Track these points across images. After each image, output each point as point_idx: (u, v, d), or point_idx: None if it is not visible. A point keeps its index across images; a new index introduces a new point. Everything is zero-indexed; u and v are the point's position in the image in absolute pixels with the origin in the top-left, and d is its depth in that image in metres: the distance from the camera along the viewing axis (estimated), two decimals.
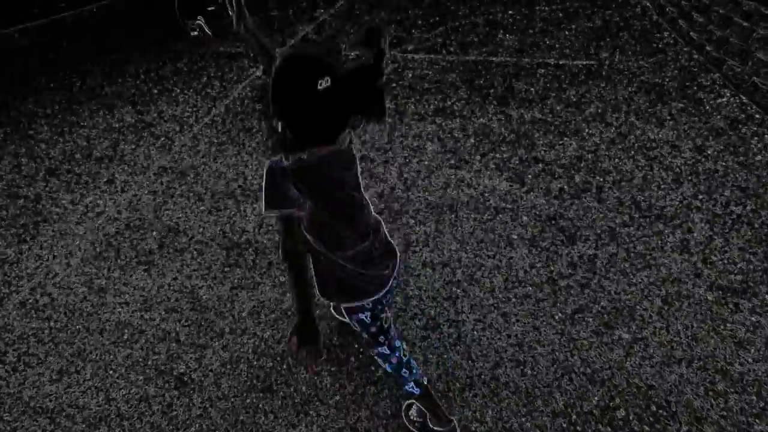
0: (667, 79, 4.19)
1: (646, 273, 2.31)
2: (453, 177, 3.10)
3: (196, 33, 1.90)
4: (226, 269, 2.49)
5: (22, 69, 5.04)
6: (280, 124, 1.06)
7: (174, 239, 2.74)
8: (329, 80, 1.00)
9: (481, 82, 4.34)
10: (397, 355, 1.49)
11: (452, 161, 3.26)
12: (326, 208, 1.18)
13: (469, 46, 5.07)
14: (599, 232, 2.59)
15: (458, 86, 4.29)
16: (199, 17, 2.01)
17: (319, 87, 1.00)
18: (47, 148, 3.70)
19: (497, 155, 3.30)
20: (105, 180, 3.28)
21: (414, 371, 1.54)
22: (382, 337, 1.43)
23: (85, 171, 3.39)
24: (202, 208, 2.98)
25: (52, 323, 2.27)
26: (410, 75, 4.50)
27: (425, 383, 1.60)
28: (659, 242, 2.47)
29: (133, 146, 3.64)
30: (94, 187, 3.22)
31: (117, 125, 3.92)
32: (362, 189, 1.26)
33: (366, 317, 1.37)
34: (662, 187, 2.87)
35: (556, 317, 2.14)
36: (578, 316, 2.14)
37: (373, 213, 1.33)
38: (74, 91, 4.53)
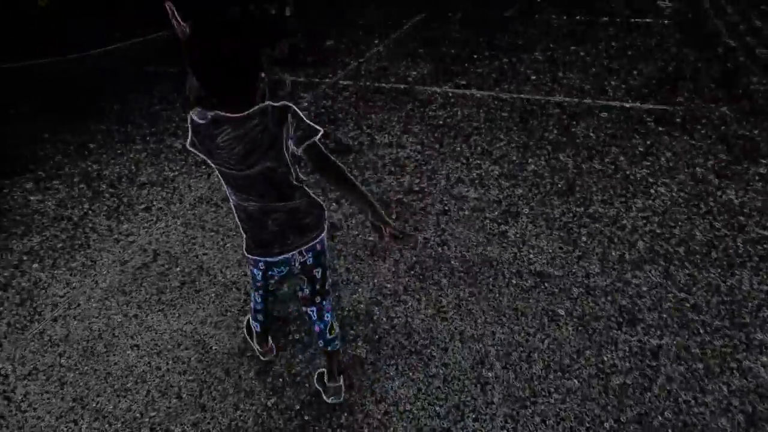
0: (755, 132, 3.66)
1: (725, 378, 1.89)
2: (495, 231, 2.81)
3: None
4: (240, 318, 2.34)
5: (85, 91, 5.35)
6: (194, 81, 1.26)
7: (196, 278, 2.64)
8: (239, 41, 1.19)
9: (536, 123, 4.02)
10: (253, 300, 1.89)
11: (496, 213, 2.96)
12: (218, 165, 1.37)
13: (526, 83, 4.78)
14: (666, 316, 2.18)
15: (510, 127, 3.99)
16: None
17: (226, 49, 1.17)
18: (99, 169, 3.82)
19: (547, 209, 2.96)
20: (143, 207, 3.30)
21: (252, 317, 1.99)
22: (256, 294, 1.82)
23: (127, 196, 3.43)
24: (228, 244, 2.88)
25: (63, 360, 2.21)
26: (458, 113, 4.27)
27: (257, 330, 2.02)
28: (744, 339, 2.03)
29: (176, 173, 3.67)
30: (132, 214, 3.23)
31: (165, 151, 3.99)
32: (288, 183, 1.40)
33: (257, 274, 1.70)
34: (749, 266, 2.40)
35: (606, 425, 1.77)
36: (634, 428, 1.75)
37: (302, 217, 1.50)
38: (132, 115, 4.72)
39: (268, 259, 1.58)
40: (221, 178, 1.43)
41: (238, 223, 1.52)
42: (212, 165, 1.38)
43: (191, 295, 2.53)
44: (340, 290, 2.46)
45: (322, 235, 1.58)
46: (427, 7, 7.60)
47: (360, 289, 2.47)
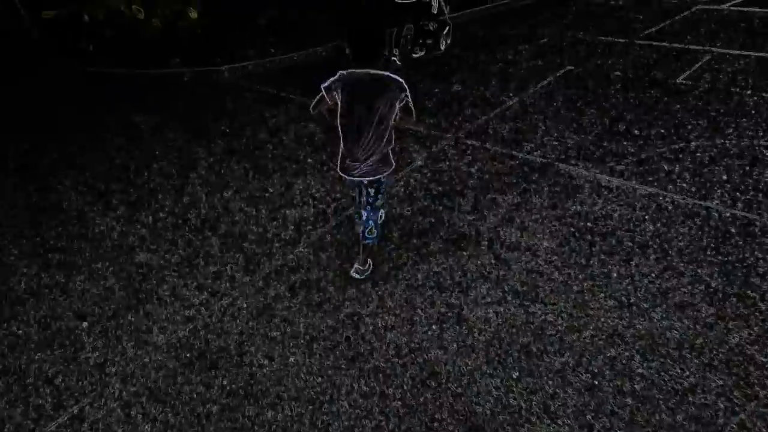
0: None
1: None
2: None
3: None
4: None
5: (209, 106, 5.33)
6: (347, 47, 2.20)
7: (239, 401, 2.07)
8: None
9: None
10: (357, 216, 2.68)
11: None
12: (342, 112, 2.20)
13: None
14: None
15: (691, 238, 2.84)
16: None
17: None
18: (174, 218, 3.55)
19: None
20: (212, 274, 2.87)
21: (361, 226, 2.60)
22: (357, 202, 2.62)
23: (207, 260, 3.05)
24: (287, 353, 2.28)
25: None
26: (614, 212, 3.20)
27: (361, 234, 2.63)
28: None
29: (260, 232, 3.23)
30: (197, 287, 2.80)
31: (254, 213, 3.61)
32: (373, 142, 2.23)
33: (347, 181, 2.47)
34: None
35: None
36: None
37: (377, 156, 2.27)
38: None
39: (353, 178, 2.34)
40: (339, 115, 2.20)
41: (341, 149, 2.30)
42: (340, 105, 2.17)
43: (228, 418, 1.94)
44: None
45: (387, 173, 2.35)
46: (581, 58, 6.50)
47: None
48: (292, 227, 3.25)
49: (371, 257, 2.74)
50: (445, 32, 6.88)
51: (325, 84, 2.16)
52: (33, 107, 5.79)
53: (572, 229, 3.07)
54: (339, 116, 2.20)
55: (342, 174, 2.37)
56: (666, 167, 3.71)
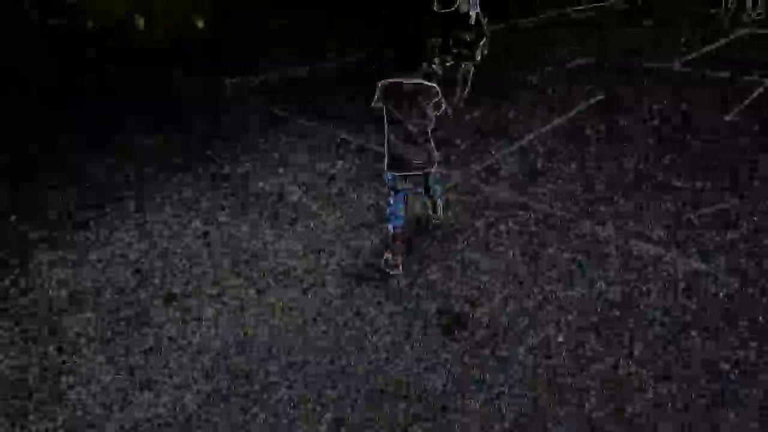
0: None
1: None
2: None
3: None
4: None
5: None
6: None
7: None
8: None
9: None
10: (389, 208, 2.73)
11: None
12: (388, 118, 2.53)
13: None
14: None
15: None
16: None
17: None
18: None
19: None
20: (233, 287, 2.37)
21: (393, 221, 2.71)
22: (391, 192, 2.68)
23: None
24: None
25: None
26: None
27: (395, 232, 2.73)
28: None
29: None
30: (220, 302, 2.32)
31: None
32: (422, 139, 2.56)
33: (387, 177, 2.66)
34: None
35: None
36: None
37: (421, 154, 2.59)
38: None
39: (400, 173, 2.61)
40: (386, 119, 2.52)
41: (387, 149, 2.58)
42: (386, 111, 2.50)
43: None
44: None
45: (431, 168, 2.69)
46: (615, 85, 5.82)
47: None
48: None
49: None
50: (482, 43, 6.61)
51: (373, 103, 2.55)
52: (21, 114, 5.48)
53: (594, 319, 2.44)
54: (385, 121, 2.53)
55: (392, 172, 2.60)
56: (714, 236, 3.03)
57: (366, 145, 4.43)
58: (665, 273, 2.72)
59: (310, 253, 3.00)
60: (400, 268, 2.74)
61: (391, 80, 2.46)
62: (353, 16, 8.02)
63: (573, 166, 3.91)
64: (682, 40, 8.01)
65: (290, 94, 5.93)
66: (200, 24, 6.45)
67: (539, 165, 3.96)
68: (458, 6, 6.33)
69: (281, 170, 4.01)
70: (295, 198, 3.60)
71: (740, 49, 7.25)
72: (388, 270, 2.74)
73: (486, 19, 6.83)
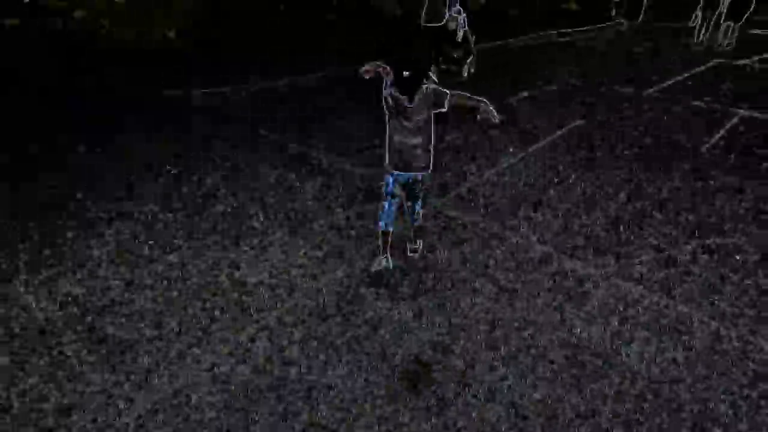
0: None
1: None
2: None
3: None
4: None
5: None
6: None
7: None
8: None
9: None
10: (383, 209, 2.66)
11: None
12: (388, 118, 2.47)
13: None
14: None
15: None
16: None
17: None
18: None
19: None
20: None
21: (385, 219, 2.67)
22: (387, 197, 2.62)
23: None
24: None
25: None
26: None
27: (383, 230, 2.71)
28: None
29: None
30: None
31: None
32: (420, 143, 2.48)
33: (389, 182, 2.60)
34: None
35: None
36: None
37: (422, 155, 2.52)
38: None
39: (401, 173, 2.56)
40: (388, 123, 2.47)
41: (387, 148, 2.53)
42: (390, 115, 2.44)
43: None
44: None
45: (428, 171, 2.59)
46: (592, 111, 5.77)
47: None
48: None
49: (420, 237, 3.00)
50: (469, 60, 6.97)
51: (384, 94, 2.44)
52: None
53: (575, 371, 2.22)
54: (388, 124, 2.49)
55: (393, 170, 2.57)
56: (700, 273, 2.87)
57: (335, 165, 4.18)
58: (649, 313, 2.53)
59: (268, 286, 2.70)
60: (390, 263, 2.79)
61: (395, 93, 2.40)
62: (330, 28, 7.85)
63: (551, 194, 3.75)
64: (656, 66, 8.11)
65: (263, 108, 5.66)
66: (171, 34, 6.15)
67: (518, 192, 3.78)
68: (446, 23, 6.35)
69: (246, 190, 3.72)
70: (257, 223, 3.31)
71: (713, 79, 7.36)
72: (378, 268, 2.76)
73: (474, 37, 7.07)
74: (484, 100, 2.43)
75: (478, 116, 2.45)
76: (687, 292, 2.71)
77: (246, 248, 3.02)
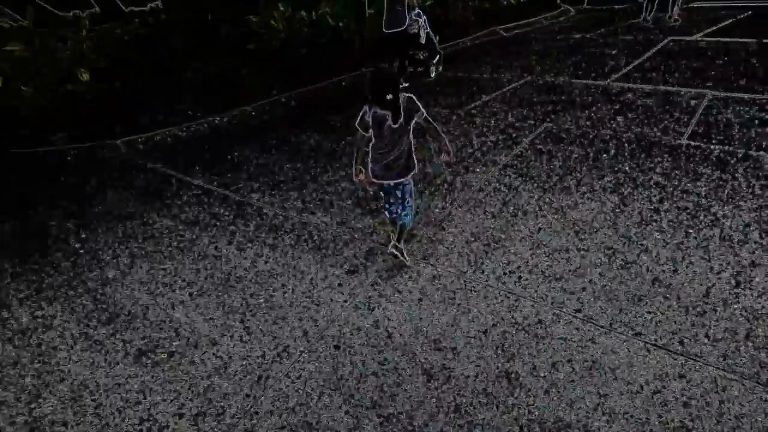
0: None
1: None
2: None
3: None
4: None
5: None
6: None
7: None
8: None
9: None
10: (387, 214, 2.78)
11: None
12: (375, 134, 2.46)
13: None
14: None
15: None
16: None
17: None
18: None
19: None
20: None
21: (389, 209, 2.74)
22: (386, 205, 2.73)
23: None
24: None
25: None
26: None
27: (392, 218, 2.77)
28: None
29: None
30: None
31: None
32: (404, 152, 2.50)
33: (382, 192, 2.71)
34: None
35: None
36: None
37: (405, 159, 2.52)
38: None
39: (386, 182, 2.59)
40: (373, 138, 2.47)
41: (371, 162, 2.55)
42: (371, 132, 2.46)
43: None
44: None
45: (411, 174, 2.60)
46: (558, 110, 5.33)
47: None
48: None
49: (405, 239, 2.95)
50: (435, 60, 7.05)
51: (357, 121, 2.47)
52: None
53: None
54: (372, 137, 2.50)
55: (375, 181, 2.61)
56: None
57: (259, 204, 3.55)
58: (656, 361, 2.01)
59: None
60: (404, 245, 2.84)
61: (375, 109, 2.43)
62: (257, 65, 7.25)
63: (529, 223, 3.23)
64: (612, 52, 7.83)
65: (184, 152, 4.97)
66: (85, 77, 5.37)
67: (491, 226, 3.24)
68: (406, 27, 6.50)
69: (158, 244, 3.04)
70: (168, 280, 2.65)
71: (669, 60, 7.10)
72: (393, 250, 2.77)
73: (437, 38, 7.22)
74: (445, 138, 2.56)
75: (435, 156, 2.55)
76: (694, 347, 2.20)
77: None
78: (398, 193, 2.64)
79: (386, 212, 2.77)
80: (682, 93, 5.46)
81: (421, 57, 6.90)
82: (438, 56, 7.10)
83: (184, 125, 5.44)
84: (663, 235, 2.92)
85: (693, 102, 5.13)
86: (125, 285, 2.87)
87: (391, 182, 2.58)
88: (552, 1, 12.93)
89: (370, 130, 2.44)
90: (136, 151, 5.08)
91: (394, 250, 2.76)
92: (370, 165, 2.56)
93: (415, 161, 2.58)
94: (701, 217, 3.06)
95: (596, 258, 2.76)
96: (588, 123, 4.82)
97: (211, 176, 4.30)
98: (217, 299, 2.68)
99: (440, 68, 7.22)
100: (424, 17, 6.52)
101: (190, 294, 2.74)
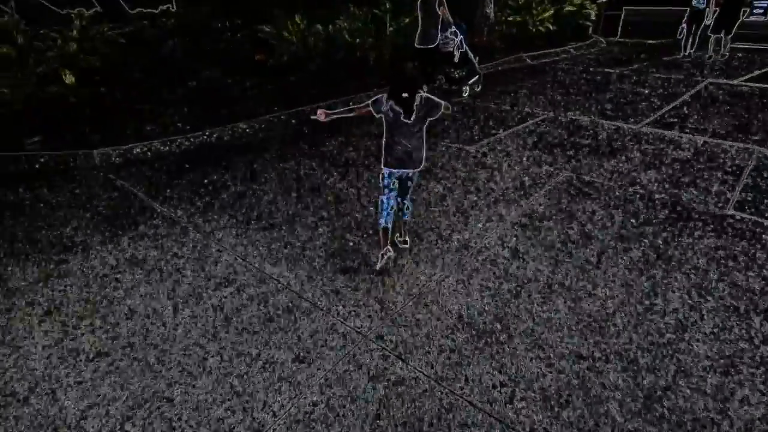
0: None
1: None
2: None
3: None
4: None
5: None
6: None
7: None
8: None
9: None
10: (383, 204, 2.74)
11: None
12: (387, 127, 2.61)
13: None
14: None
15: None
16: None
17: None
18: None
19: None
20: None
21: (383, 217, 2.74)
22: (385, 190, 2.73)
23: None
24: None
25: None
26: None
27: (384, 226, 2.75)
28: None
29: None
30: None
31: None
32: (414, 146, 2.64)
33: (385, 176, 2.72)
34: None
35: None
36: None
37: (416, 153, 2.65)
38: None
39: (396, 170, 2.69)
40: (385, 129, 2.61)
41: (384, 150, 2.66)
42: (387, 125, 2.60)
43: None
44: None
45: (420, 168, 2.72)
46: (581, 156, 4.67)
47: None
48: None
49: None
50: (473, 81, 6.91)
51: (371, 101, 2.63)
52: None
53: None
54: (386, 130, 2.64)
55: (388, 169, 2.69)
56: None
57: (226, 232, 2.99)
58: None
59: None
60: (392, 253, 2.81)
61: (392, 104, 2.58)
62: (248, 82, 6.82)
63: (543, 292, 2.58)
64: (645, 92, 7.13)
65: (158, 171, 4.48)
66: (69, 79, 4.98)
67: (498, 297, 2.61)
68: (439, 45, 6.40)
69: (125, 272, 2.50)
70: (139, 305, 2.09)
71: (707, 106, 6.36)
72: (384, 261, 2.77)
73: (477, 58, 7.03)
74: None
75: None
76: None
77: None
78: (403, 184, 2.78)
79: (382, 211, 2.77)
80: (725, 147, 4.74)
81: (456, 76, 6.81)
82: (477, 77, 6.97)
83: (168, 139, 4.97)
84: (706, 346, 2.24)
85: (737, 160, 4.42)
86: (22, 353, 2.32)
87: (401, 171, 2.71)
88: (583, 31, 12.26)
89: (383, 118, 2.61)
90: (109, 164, 4.63)
91: (403, 245, 3.03)
92: (383, 153, 2.69)
93: (424, 156, 2.73)
94: (754, 325, 2.37)
95: (613, 380, 2.10)
96: (615, 175, 4.15)
97: (178, 202, 3.79)
98: (128, 382, 2.11)
99: (478, 88, 7.04)
100: (461, 36, 6.48)
101: (94, 371, 2.18)
